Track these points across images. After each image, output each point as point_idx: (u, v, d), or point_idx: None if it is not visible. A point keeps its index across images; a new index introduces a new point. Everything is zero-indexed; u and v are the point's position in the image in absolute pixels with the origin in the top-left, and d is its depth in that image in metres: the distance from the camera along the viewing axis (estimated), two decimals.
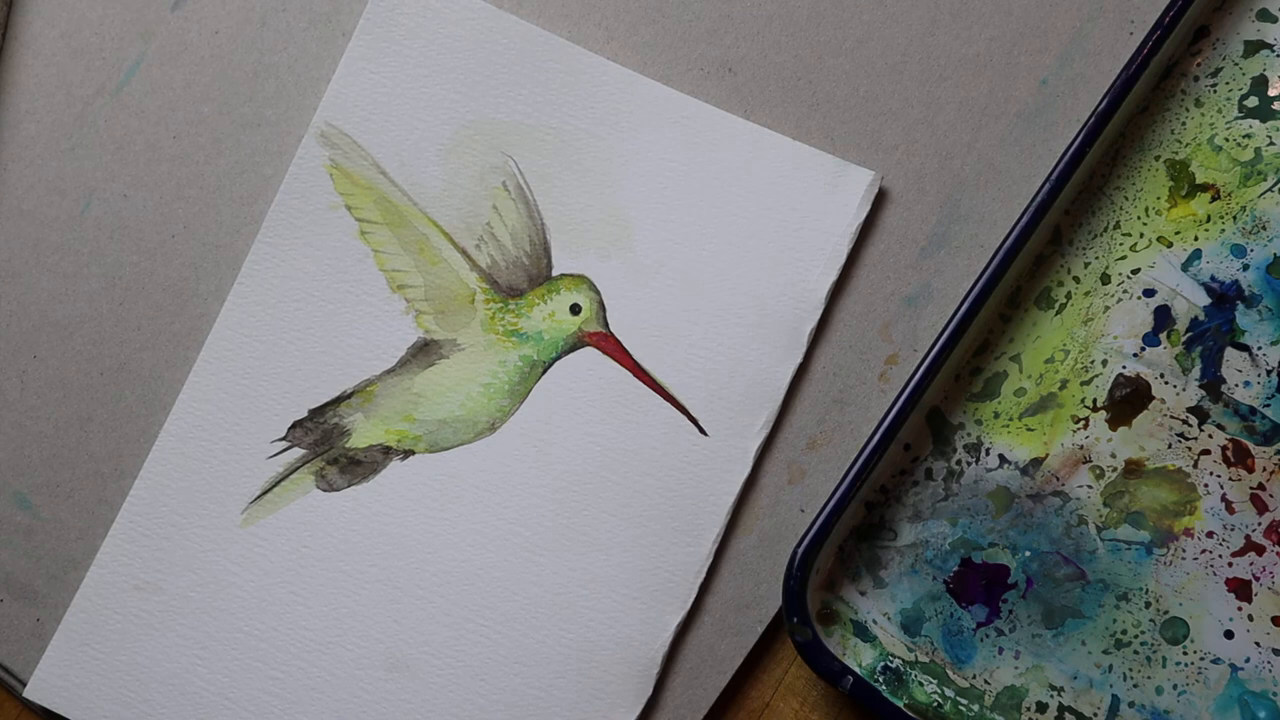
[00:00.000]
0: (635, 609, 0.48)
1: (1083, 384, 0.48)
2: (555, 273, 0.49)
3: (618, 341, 0.49)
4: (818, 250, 0.49)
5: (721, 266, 0.49)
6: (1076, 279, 0.48)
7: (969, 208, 0.49)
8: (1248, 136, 0.49)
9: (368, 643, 0.48)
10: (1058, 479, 0.48)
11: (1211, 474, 0.47)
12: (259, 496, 0.49)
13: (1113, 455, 0.48)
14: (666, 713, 0.48)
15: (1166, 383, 0.48)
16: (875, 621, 0.47)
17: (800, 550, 0.46)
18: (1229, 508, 0.47)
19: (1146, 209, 0.49)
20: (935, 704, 0.47)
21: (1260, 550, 0.47)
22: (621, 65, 0.50)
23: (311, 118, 0.50)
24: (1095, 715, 0.46)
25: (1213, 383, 0.48)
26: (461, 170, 0.50)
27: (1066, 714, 0.46)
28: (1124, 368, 0.48)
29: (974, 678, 0.47)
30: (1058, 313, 0.48)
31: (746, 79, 0.50)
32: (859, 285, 0.49)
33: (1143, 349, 0.48)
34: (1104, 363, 0.48)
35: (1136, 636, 0.47)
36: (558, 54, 0.50)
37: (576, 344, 0.49)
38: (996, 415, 0.48)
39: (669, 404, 0.49)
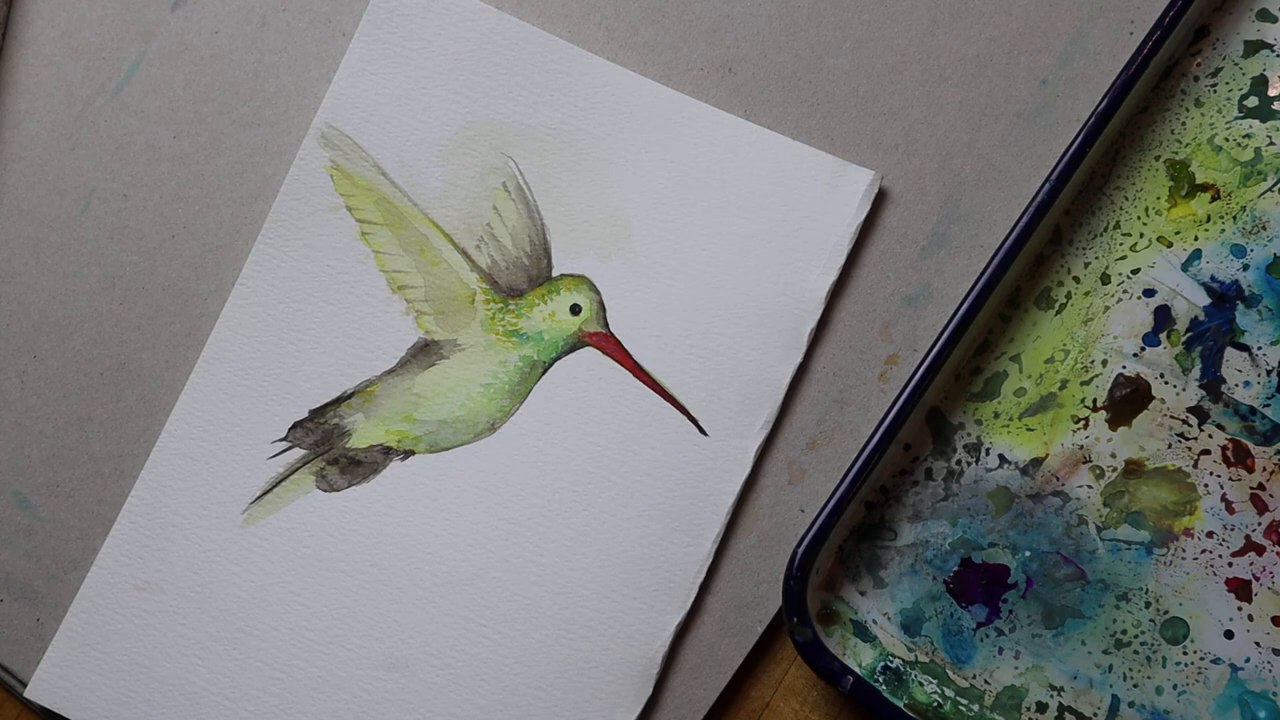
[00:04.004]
0: (635, 609, 0.48)
1: (1083, 384, 0.48)
2: (555, 273, 0.49)
3: (618, 341, 0.49)
4: (817, 250, 0.49)
5: (721, 266, 0.49)
6: (1076, 279, 0.49)
7: (969, 208, 0.49)
8: (1248, 136, 0.49)
9: (368, 643, 0.48)
10: (1058, 479, 0.48)
11: (1211, 474, 0.47)
12: (259, 497, 0.49)
13: (1113, 455, 0.48)
14: (666, 713, 0.48)
15: (1166, 383, 0.48)
16: (875, 621, 0.47)
17: (800, 550, 0.46)
18: (1229, 508, 0.47)
19: (1146, 209, 0.49)
20: (935, 704, 0.47)
21: (1260, 550, 0.47)
22: (621, 65, 0.50)
23: (312, 118, 0.50)
24: (1095, 715, 0.46)
25: (1213, 383, 0.48)
26: (462, 171, 0.50)
27: (1066, 714, 0.47)
28: (1124, 368, 0.48)
29: (974, 678, 0.47)
30: (1058, 313, 0.48)
31: (746, 79, 0.50)
32: (859, 285, 0.49)
33: (1143, 349, 0.48)
34: (1104, 363, 0.48)
35: (1136, 636, 0.47)
36: (558, 55, 0.50)
37: (576, 344, 0.49)
38: (996, 415, 0.48)
39: (669, 404, 0.49)
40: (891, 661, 0.47)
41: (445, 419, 0.49)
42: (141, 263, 0.50)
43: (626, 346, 0.49)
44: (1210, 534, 0.47)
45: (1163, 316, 0.48)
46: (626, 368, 0.49)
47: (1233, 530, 0.47)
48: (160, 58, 0.51)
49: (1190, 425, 0.48)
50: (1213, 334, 0.48)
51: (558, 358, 0.49)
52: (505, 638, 0.48)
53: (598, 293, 0.49)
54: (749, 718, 0.49)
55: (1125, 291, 0.48)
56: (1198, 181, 0.49)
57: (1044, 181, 0.48)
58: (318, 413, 0.49)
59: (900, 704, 0.46)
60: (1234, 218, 0.48)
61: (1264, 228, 0.48)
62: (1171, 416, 0.48)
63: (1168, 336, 0.48)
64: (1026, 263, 0.48)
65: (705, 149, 0.49)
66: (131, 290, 0.50)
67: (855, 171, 0.49)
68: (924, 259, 0.49)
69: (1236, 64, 0.49)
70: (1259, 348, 0.48)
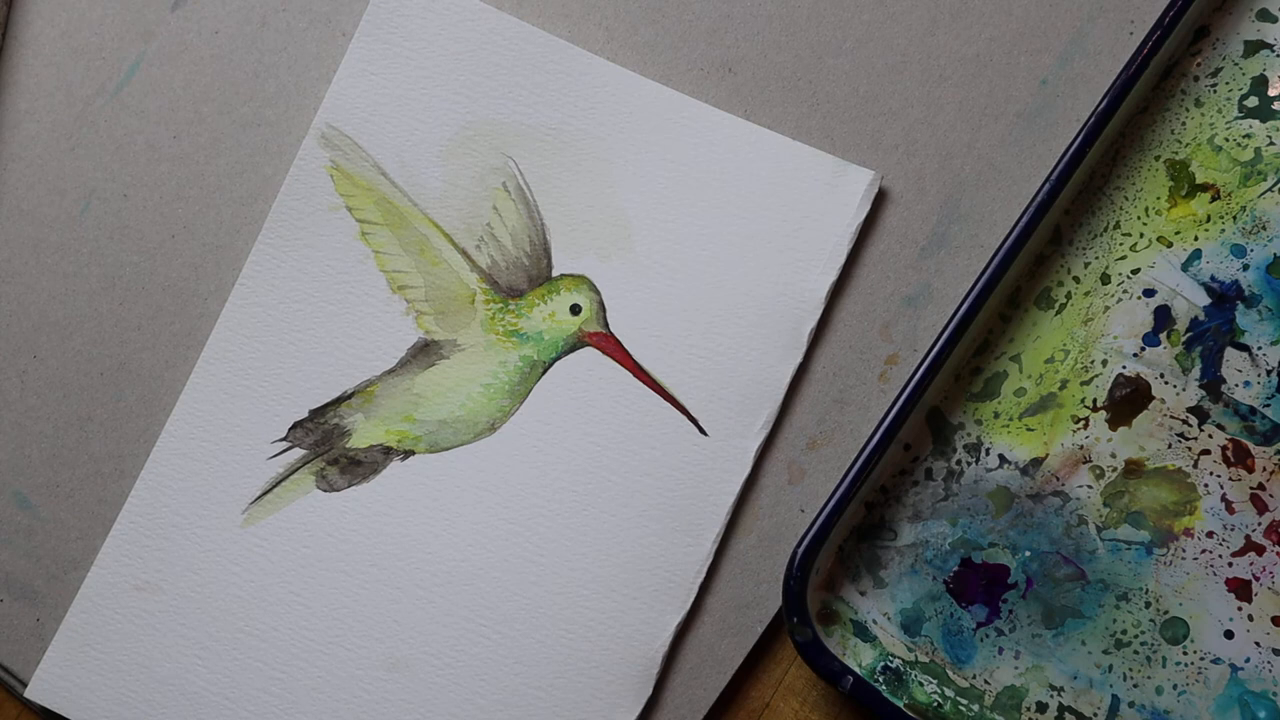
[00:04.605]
0: (635, 609, 0.48)
1: (1083, 384, 0.48)
2: (555, 273, 0.49)
3: (618, 341, 0.49)
4: (818, 250, 0.49)
5: (721, 266, 0.49)
6: (1076, 279, 0.49)
7: (969, 208, 0.49)
8: (1248, 136, 0.49)
9: (368, 643, 0.48)
10: (1058, 479, 0.48)
11: (1211, 474, 0.47)
12: (259, 497, 0.49)
13: (1113, 455, 0.48)
14: (666, 713, 0.48)
15: (1166, 383, 0.48)
16: (875, 621, 0.47)
17: (800, 550, 0.46)
18: (1229, 508, 0.47)
19: (1146, 209, 0.49)
20: (935, 704, 0.47)
21: (1260, 550, 0.47)
22: (621, 65, 0.50)
23: (312, 118, 0.50)
24: (1095, 715, 0.46)
25: (1213, 383, 0.48)
26: (462, 171, 0.50)
27: (1066, 714, 0.47)
28: (1124, 368, 0.48)
29: (974, 678, 0.47)
30: (1058, 313, 0.48)
31: (746, 79, 0.50)
32: (859, 285, 0.49)
33: (1143, 349, 0.48)
34: (1104, 363, 0.48)
35: (1136, 636, 0.47)
36: (558, 55, 0.50)
37: (576, 344, 0.49)
38: (996, 415, 0.48)
39: (669, 404, 0.49)
40: (891, 661, 0.47)
41: (445, 419, 0.49)
42: (141, 263, 0.50)
43: (626, 346, 0.49)
44: (1210, 534, 0.47)
45: (1163, 316, 0.48)
46: (626, 368, 0.49)
47: (1233, 530, 0.47)
48: (160, 58, 0.51)
49: (1190, 425, 0.48)
50: (1213, 334, 0.48)
51: (558, 358, 0.49)
52: (505, 638, 0.48)
53: (598, 293, 0.49)
54: (749, 718, 0.49)
55: (1125, 291, 0.48)
56: (1198, 181, 0.49)
57: (1044, 181, 0.47)
58: (318, 413, 0.49)
59: (900, 704, 0.46)
60: (1234, 218, 0.48)
61: (1264, 228, 0.48)
62: (1171, 416, 0.48)
63: (1168, 336, 0.48)
64: (1026, 263, 0.48)
65: (705, 149, 0.49)
66: (131, 290, 0.50)
67: (855, 171, 0.49)
68: (924, 259, 0.49)
69: (1236, 64, 0.49)
70: (1259, 348, 0.48)
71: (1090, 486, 0.47)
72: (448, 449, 0.49)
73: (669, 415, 0.49)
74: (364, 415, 0.49)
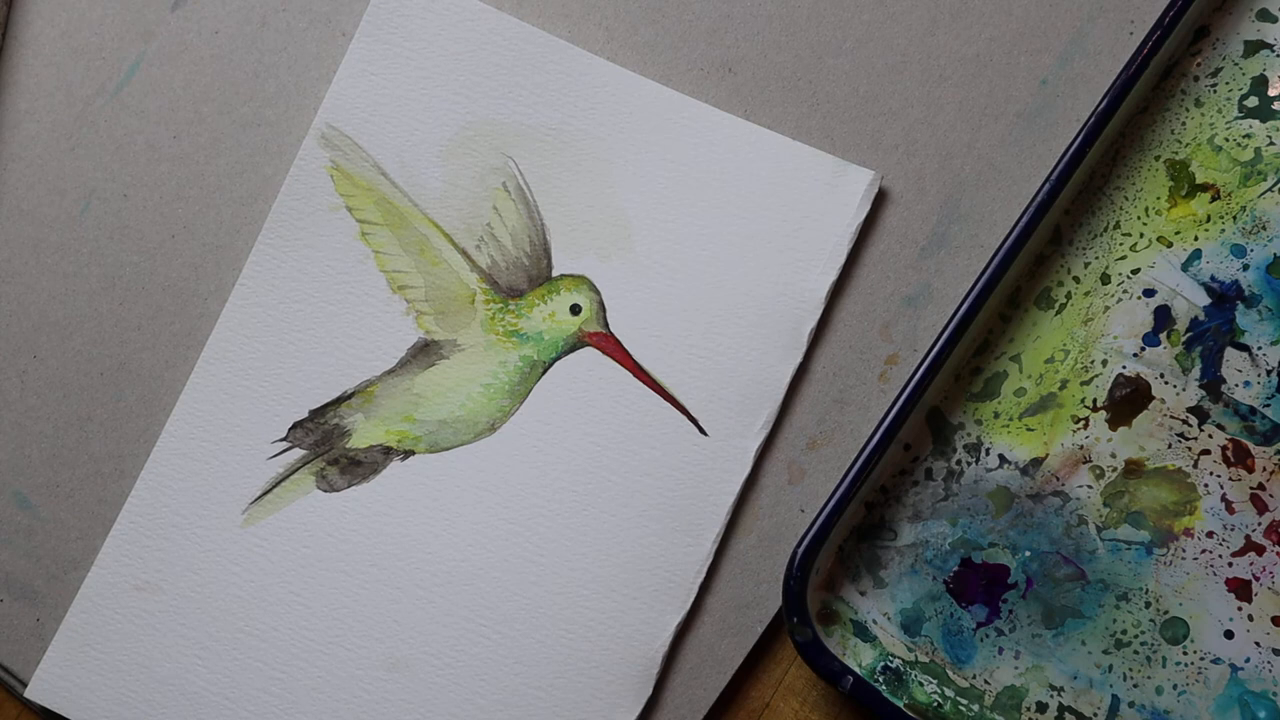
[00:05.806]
0: (635, 609, 0.48)
1: (1083, 384, 0.48)
2: (555, 273, 0.49)
3: (618, 341, 0.49)
4: (817, 250, 0.49)
5: (721, 266, 0.49)
6: (1076, 279, 0.49)
7: (969, 208, 0.49)
8: (1248, 136, 0.49)
9: (368, 643, 0.48)
10: (1058, 479, 0.48)
11: (1211, 474, 0.47)
12: (259, 497, 0.49)
13: (1113, 455, 0.48)
14: (666, 713, 0.48)
15: (1166, 383, 0.48)
16: (875, 621, 0.47)
17: (800, 550, 0.46)
18: (1229, 508, 0.47)
19: (1146, 209, 0.49)
20: (935, 704, 0.47)
21: (1260, 550, 0.47)
22: (621, 65, 0.50)
23: (312, 118, 0.50)
24: (1095, 715, 0.46)
25: (1213, 383, 0.48)
26: (462, 171, 0.50)
27: (1066, 714, 0.47)
28: (1124, 368, 0.48)
29: (974, 678, 0.47)
30: (1058, 313, 0.48)
31: (746, 79, 0.50)
32: (859, 285, 0.49)
33: (1143, 349, 0.48)
34: (1104, 363, 0.48)
35: (1136, 636, 0.47)
36: (558, 55, 0.50)
37: (576, 344, 0.49)
38: (996, 415, 0.48)
39: (669, 404, 0.49)
40: (891, 661, 0.47)
41: (445, 419, 0.49)
42: (141, 263, 0.50)
43: (626, 346, 0.49)
44: (1210, 534, 0.47)
45: (1163, 316, 0.48)
46: (626, 368, 0.49)
47: (1233, 530, 0.47)
48: (160, 58, 0.51)
49: (1190, 425, 0.48)
50: (1213, 334, 0.48)
51: (558, 358, 0.49)
52: (505, 638, 0.48)
53: (598, 293, 0.49)
54: (749, 718, 0.49)
55: (1125, 291, 0.48)
56: (1198, 181, 0.49)
57: (1044, 181, 0.48)
58: (318, 413, 0.49)
59: (900, 704, 0.46)
60: (1234, 218, 0.48)
61: (1264, 228, 0.48)
62: (1171, 416, 0.48)
63: (1168, 336, 0.48)
64: (1026, 263, 0.48)
65: (705, 149, 0.49)
66: (131, 290, 0.50)
67: (855, 171, 0.49)
68: (924, 259, 0.49)
69: (1236, 64, 0.49)
70: (1259, 348, 0.48)
71: (1090, 486, 0.47)
72: (448, 449, 0.49)
73: (669, 415, 0.49)
74: (364, 415, 0.49)
